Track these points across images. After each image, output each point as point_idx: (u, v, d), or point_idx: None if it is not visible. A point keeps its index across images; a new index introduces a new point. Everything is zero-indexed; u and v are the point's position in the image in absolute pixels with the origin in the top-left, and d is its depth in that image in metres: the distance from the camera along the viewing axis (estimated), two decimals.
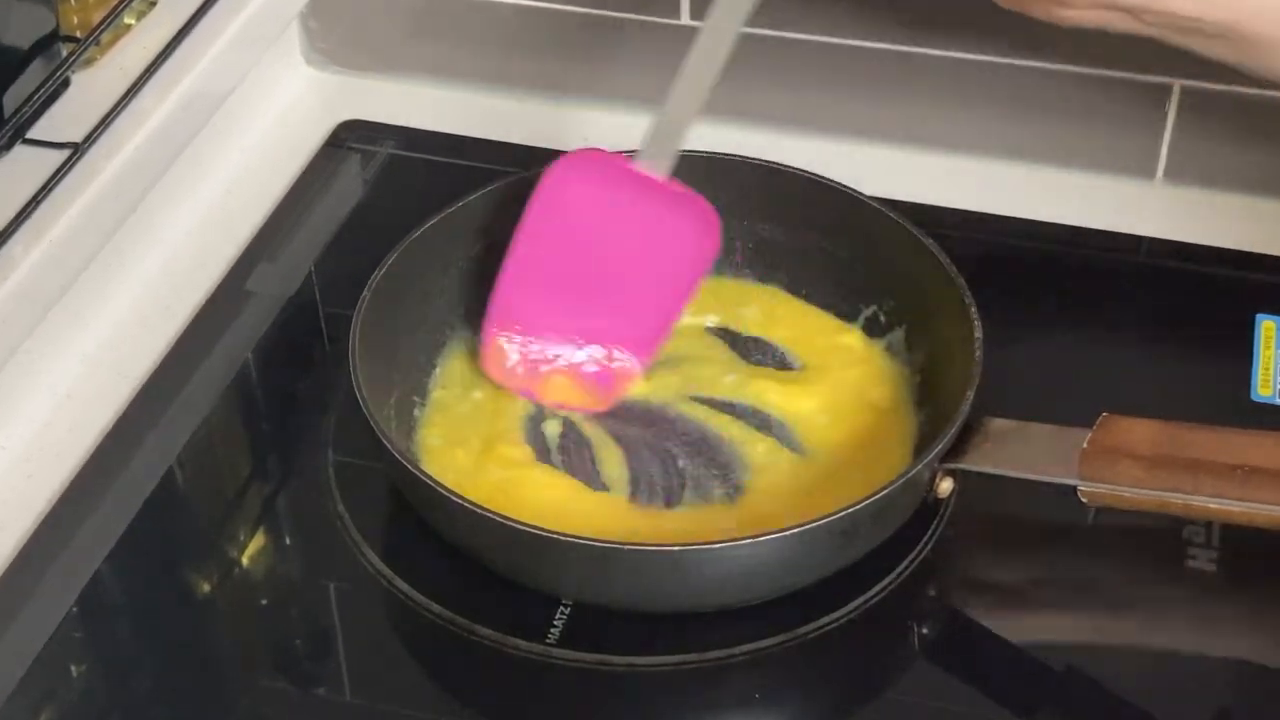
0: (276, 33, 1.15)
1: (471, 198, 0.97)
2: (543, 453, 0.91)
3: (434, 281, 0.96)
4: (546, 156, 1.00)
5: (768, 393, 0.94)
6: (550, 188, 0.93)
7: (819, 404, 0.93)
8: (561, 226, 0.94)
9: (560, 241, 0.94)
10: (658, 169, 0.92)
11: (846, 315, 0.97)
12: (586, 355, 0.94)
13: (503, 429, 0.92)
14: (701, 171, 0.97)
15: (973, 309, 0.89)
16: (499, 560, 0.85)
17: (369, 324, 0.90)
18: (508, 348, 0.94)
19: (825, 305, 0.98)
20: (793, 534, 0.80)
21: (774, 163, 0.98)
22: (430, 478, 0.83)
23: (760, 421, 0.93)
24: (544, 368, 0.94)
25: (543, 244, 0.94)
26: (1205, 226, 1.06)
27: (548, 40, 1.15)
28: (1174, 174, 1.09)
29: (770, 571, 0.82)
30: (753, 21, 1.09)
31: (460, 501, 0.82)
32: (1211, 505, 0.82)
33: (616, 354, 0.94)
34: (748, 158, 0.99)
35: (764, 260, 1.00)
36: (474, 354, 0.96)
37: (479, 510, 0.81)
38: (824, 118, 1.12)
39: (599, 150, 0.94)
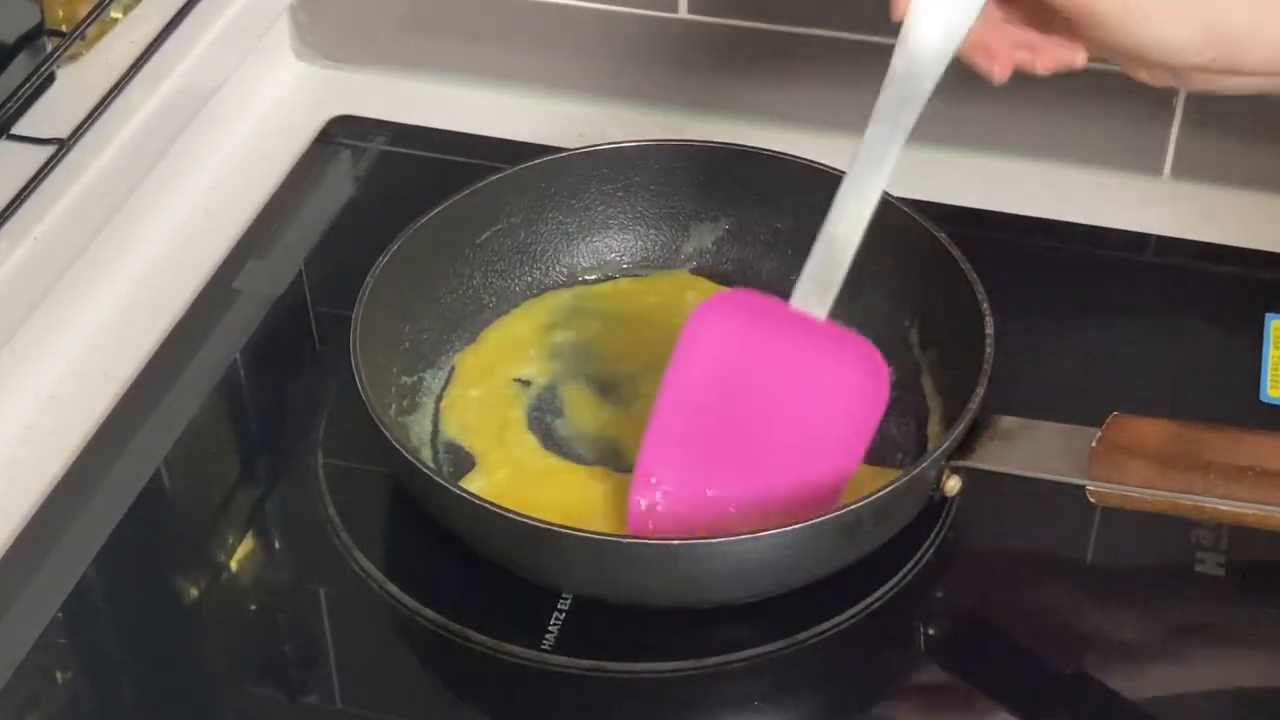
0: (265, 26, 1.15)
1: (480, 185, 0.97)
2: (550, 442, 0.91)
3: (439, 271, 0.96)
4: (541, 152, 1.01)
5: None
6: (697, 330, 0.87)
7: None
8: (711, 375, 0.87)
9: (711, 393, 0.87)
10: (816, 309, 0.86)
11: (856, 309, 0.97)
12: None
13: (509, 419, 0.92)
14: (718, 162, 0.98)
15: (985, 305, 0.89)
16: (498, 553, 0.85)
17: (371, 312, 0.90)
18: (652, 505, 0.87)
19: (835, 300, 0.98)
20: (794, 530, 0.80)
21: (788, 155, 0.98)
22: (430, 469, 0.83)
23: None
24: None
25: (691, 393, 0.87)
26: (1213, 224, 1.06)
27: (542, 35, 1.15)
28: (1181, 170, 1.09)
29: (771, 568, 0.82)
30: (758, 18, 1.10)
31: (460, 493, 0.82)
32: (1222, 507, 0.81)
33: None
34: (763, 149, 0.99)
35: (776, 253, 1.00)
36: (475, 351, 0.96)
37: (478, 502, 0.81)
38: (828, 112, 1.12)
39: (750, 291, 0.89)
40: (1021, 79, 1.07)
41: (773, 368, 0.87)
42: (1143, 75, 0.86)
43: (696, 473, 0.87)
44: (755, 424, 0.87)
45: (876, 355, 0.86)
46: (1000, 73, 0.86)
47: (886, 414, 0.92)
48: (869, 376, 0.86)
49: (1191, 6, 0.82)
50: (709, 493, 0.86)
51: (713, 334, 0.87)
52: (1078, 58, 0.86)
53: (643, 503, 0.87)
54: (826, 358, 0.86)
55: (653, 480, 0.87)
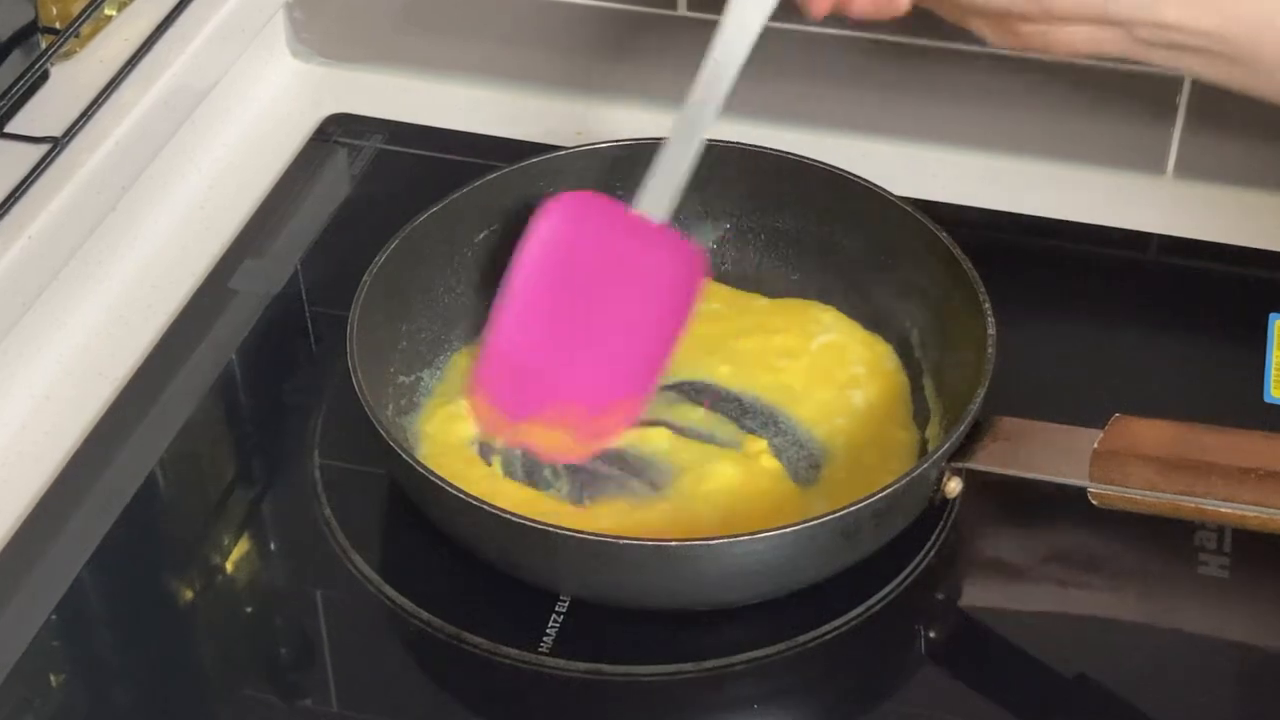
0: (261, 24, 1.15)
1: (477, 183, 0.97)
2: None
3: (435, 271, 0.96)
4: (539, 150, 1.01)
5: (774, 388, 0.94)
6: (542, 229, 0.92)
7: (825, 401, 0.93)
8: (552, 270, 0.92)
9: (551, 286, 0.92)
10: (655, 214, 0.91)
11: (857, 309, 0.97)
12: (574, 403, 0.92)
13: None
14: (719, 161, 0.98)
15: (987, 305, 0.89)
16: (495, 555, 0.85)
17: (368, 311, 0.90)
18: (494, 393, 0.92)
19: (836, 301, 0.98)
20: (793, 532, 0.80)
21: (789, 154, 0.99)
22: (425, 468, 0.83)
23: (767, 418, 0.93)
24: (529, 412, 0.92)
25: (533, 288, 0.92)
26: (1217, 223, 1.06)
27: (540, 32, 1.15)
28: (1185, 169, 1.10)
29: (770, 570, 0.82)
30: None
31: (457, 494, 0.82)
32: (1224, 509, 0.82)
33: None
34: (764, 148, 0.99)
35: (776, 253, 1.00)
36: (472, 351, 0.96)
37: (475, 503, 0.82)
38: (828, 112, 1.12)
39: (593, 194, 0.94)
40: (1029, 73, 1.08)
41: (605, 257, 0.92)
42: (980, 28, 0.87)
43: (535, 353, 0.91)
44: (589, 305, 0.92)
45: (694, 249, 0.92)
46: (816, 9, 0.88)
47: (888, 414, 0.93)
48: (686, 265, 0.91)
49: None
50: (546, 371, 0.91)
51: (556, 226, 0.92)
52: (899, 3, 0.88)
53: (486, 371, 0.91)
54: (651, 249, 0.91)
55: (500, 361, 0.91)
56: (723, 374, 0.95)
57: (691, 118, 0.89)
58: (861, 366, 0.95)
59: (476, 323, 0.98)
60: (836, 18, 1.03)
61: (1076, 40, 0.85)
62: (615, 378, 0.91)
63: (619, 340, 0.92)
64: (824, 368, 0.95)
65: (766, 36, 1.11)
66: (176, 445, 0.95)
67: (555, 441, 0.91)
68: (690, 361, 0.95)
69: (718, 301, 0.99)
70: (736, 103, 1.12)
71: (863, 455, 0.91)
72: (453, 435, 0.92)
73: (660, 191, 0.90)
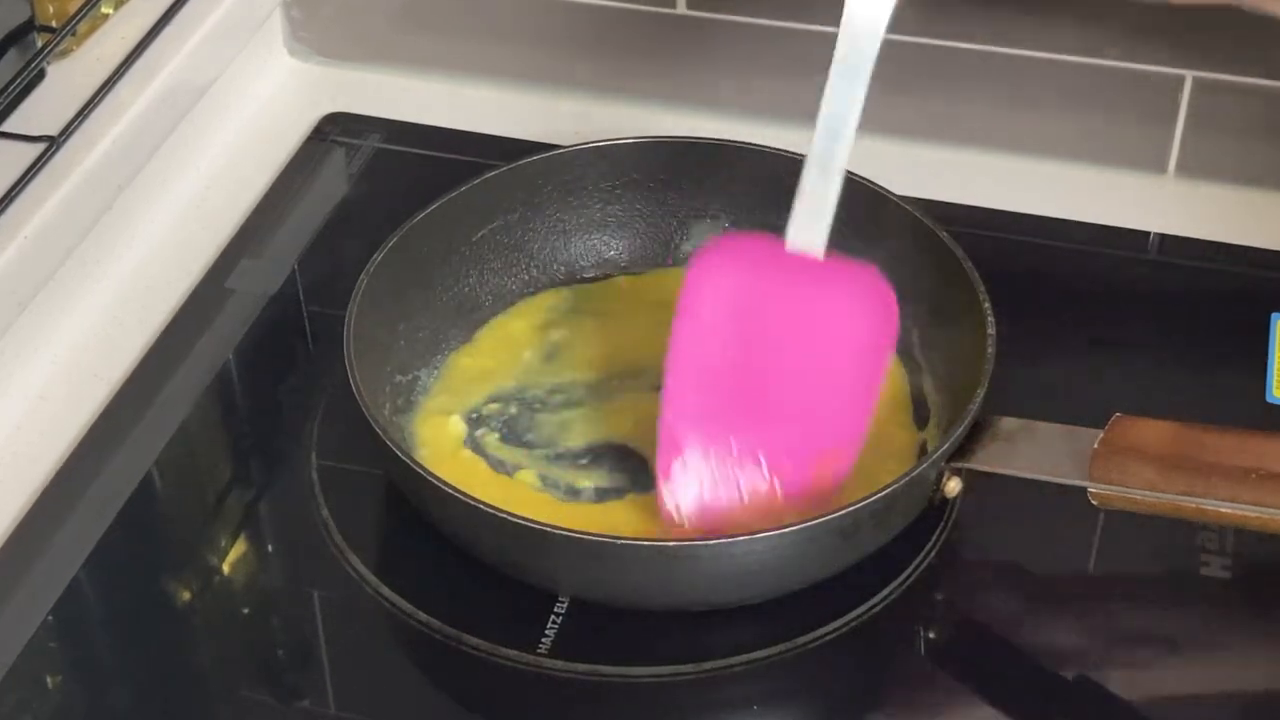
0: (258, 22, 1.15)
1: (475, 182, 0.97)
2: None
3: (433, 270, 0.96)
4: (537, 149, 1.01)
5: None
6: (697, 281, 0.87)
7: None
8: (721, 324, 0.87)
9: (722, 343, 0.87)
10: (812, 246, 0.86)
11: None
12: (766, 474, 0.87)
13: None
14: (717, 159, 0.98)
15: (986, 304, 0.89)
16: (493, 555, 0.85)
17: (365, 311, 0.90)
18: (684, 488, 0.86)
19: None
20: (791, 532, 0.80)
21: (789, 152, 0.98)
22: (422, 468, 0.84)
23: None
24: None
25: (703, 348, 0.87)
26: (1219, 222, 1.06)
27: (538, 31, 1.15)
28: (1186, 168, 1.10)
29: (770, 570, 0.82)
30: (757, 13, 1.10)
31: (455, 494, 0.82)
32: (1225, 510, 0.82)
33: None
34: (763, 146, 0.99)
35: None
36: (470, 351, 0.96)
37: (473, 503, 0.82)
38: None
39: (744, 234, 0.89)
40: (1029, 71, 1.08)
41: (778, 310, 0.87)
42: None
43: (718, 425, 0.86)
44: (768, 369, 0.87)
45: (879, 280, 0.87)
46: None
47: (888, 415, 0.93)
48: (874, 303, 0.87)
49: None
50: (733, 444, 0.86)
51: (715, 282, 0.88)
52: None
53: (672, 476, 0.86)
54: (829, 291, 0.87)
55: (679, 443, 0.86)
56: None
57: (830, 132, 0.85)
58: None
59: (474, 322, 0.98)
60: (824, 11, 1.03)
61: None
62: (813, 432, 0.86)
63: (810, 390, 0.87)
64: None
65: (766, 35, 1.11)
66: (173, 446, 0.95)
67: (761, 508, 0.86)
68: None
69: None
70: (736, 100, 1.13)
71: (862, 455, 0.91)
72: (450, 435, 0.92)
73: (813, 220, 0.86)
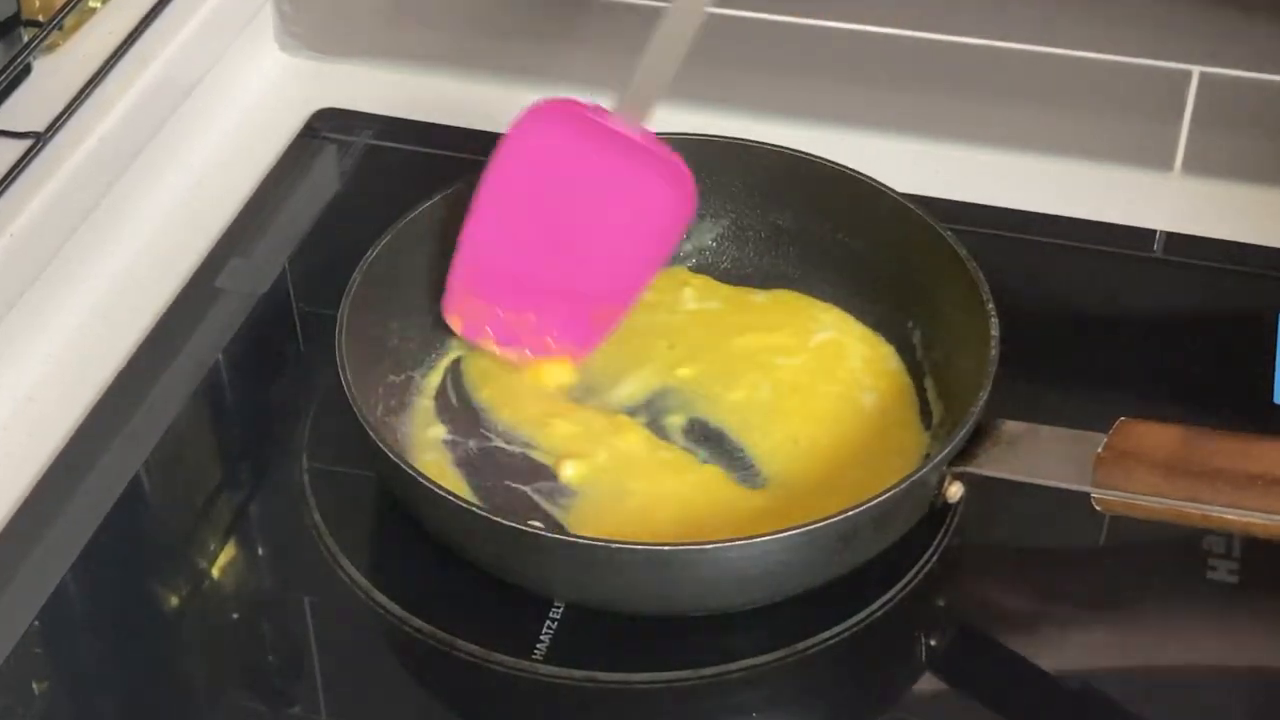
0: (248, 17, 1.15)
1: (468, 179, 0.96)
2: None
3: (426, 268, 0.96)
4: None
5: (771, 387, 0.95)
6: (517, 137, 0.94)
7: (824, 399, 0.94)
8: (528, 180, 0.94)
9: (527, 196, 0.94)
10: (634, 121, 0.92)
11: (858, 309, 0.98)
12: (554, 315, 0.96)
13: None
14: (718, 157, 0.98)
15: (990, 305, 0.89)
16: (487, 559, 0.85)
17: (357, 310, 0.90)
18: (472, 304, 0.95)
19: (837, 300, 0.98)
20: (791, 535, 0.80)
21: (790, 149, 0.99)
22: (415, 470, 0.84)
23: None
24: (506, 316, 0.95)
25: (509, 198, 0.94)
26: (1226, 221, 1.07)
27: (530, 25, 1.15)
28: (1193, 165, 1.10)
29: (768, 575, 0.82)
30: (756, 9, 1.11)
31: (448, 497, 0.82)
32: (1231, 516, 0.82)
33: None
34: (763, 143, 0.99)
35: (776, 250, 1.00)
36: (467, 349, 0.97)
37: (466, 506, 0.82)
38: (828, 106, 1.12)
39: (571, 100, 0.94)
40: (1032, 67, 1.08)
41: (586, 174, 0.94)
42: None
43: (511, 265, 0.94)
44: (567, 222, 0.94)
45: (682, 168, 0.93)
46: None
47: (887, 415, 0.93)
48: (674, 188, 0.93)
49: None
50: (522, 284, 0.95)
51: (531, 140, 0.94)
52: None
53: (457, 283, 0.94)
54: (637, 165, 0.93)
55: (473, 274, 0.94)
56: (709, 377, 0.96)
57: (674, 24, 0.91)
58: (862, 365, 0.96)
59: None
60: (824, 8, 1.04)
61: None
62: (593, 286, 0.94)
63: (597, 251, 0.94)
64: (823, 366, 0.96)
65: (766, 31, 1.11)
66: (162, 448, 0.95)
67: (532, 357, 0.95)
68: (683, 364, 0.96)
69: (715, 298, 0.99)
70: (735, 97, 1.13)
71: (865, 455, 0.91)
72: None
73: (643, 95, 0.92)
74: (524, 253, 0.95)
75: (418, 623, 0.85)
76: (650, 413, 0.94)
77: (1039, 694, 0.84)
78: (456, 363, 0.97)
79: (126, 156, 1.03)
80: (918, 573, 0.87)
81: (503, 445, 0.92)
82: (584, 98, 1.14)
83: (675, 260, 1.01)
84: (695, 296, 0.99)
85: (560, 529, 0.87)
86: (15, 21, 1.00)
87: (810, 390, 0.95)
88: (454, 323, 0.96)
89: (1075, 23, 1.06)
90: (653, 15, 1.11)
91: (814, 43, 1.11)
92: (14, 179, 0.95)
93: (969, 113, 1.11)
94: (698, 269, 1.02)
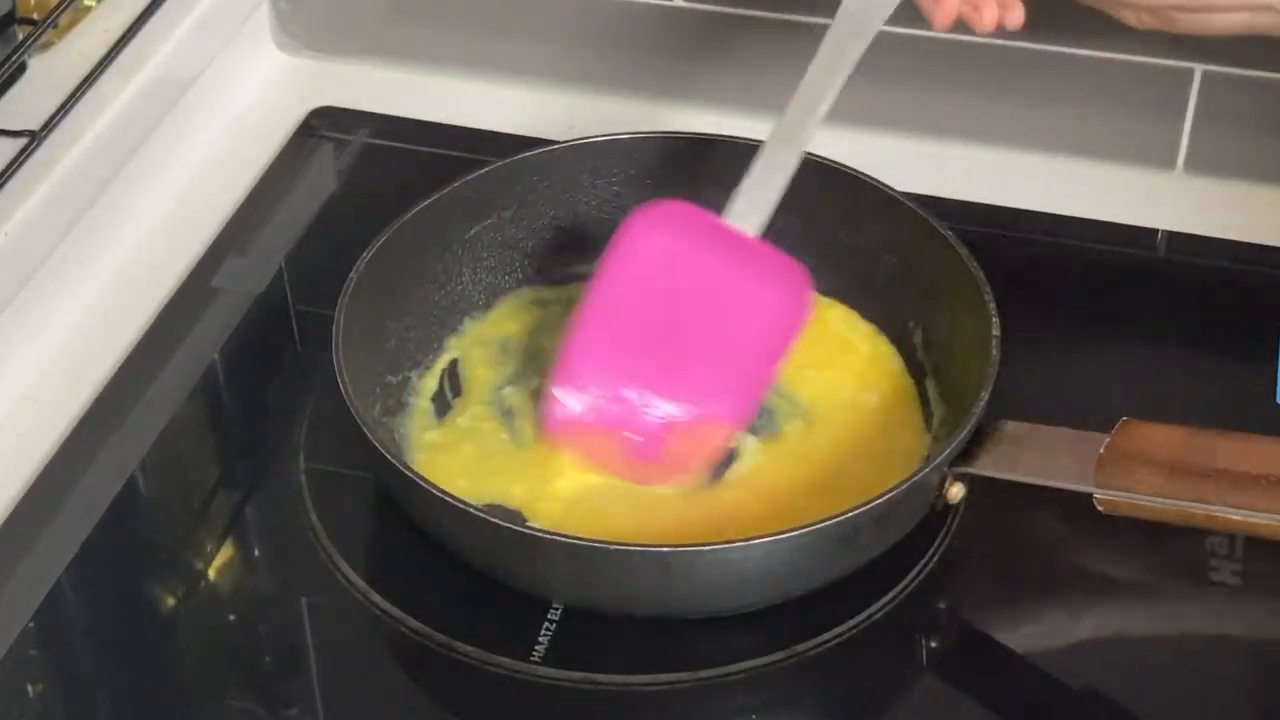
0: (244, 15, 1.15)
1: (467, 178, 0.97)
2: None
3: (424, 268, 0.97)
4: (530, 144, 1.01)
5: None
6: (632, 238, 0.92)
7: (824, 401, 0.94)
8: (641, 281, 0.92)
9: (639, 298, 0.92)
10: (748, 226, 0.91)
11: (859, 309, 0.98)
12: (654, 422, 0.92)
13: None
14: (718, 156, 0.98)
15: (991, 305, 0.89)
16: (485, 561, 0.85)
17: (354, 310, 0.90)
18: (570, 402, 0.92)
19: (837, 298, 0.98)
20: (791, 537, 0.80)
21: None
22: (413, 471, 0.84)
23: (764, 415, 0.93)
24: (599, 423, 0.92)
25: (620, 300, 0.92)
26: (1228, 219, 1.07)
27: (531, 23, 1.15)
28: (1195, 164, 1.10)
29: (767, 576, 0.82)
30: (755, 6, 1.11)
31: (445, 498, 0.82)
32: (1235, 516, 0.82)
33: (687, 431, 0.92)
34: (758, 142, 0.98)
35: (777, 249, 1.00)
36: (465, 350, 0.97)
37: (463, 507, 0.82)
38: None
39: (685, 204, 0.93)
40: (1034, 65, 1.08)
41: (699, 280, 0.92)
42: (1124, 14, 0.89)
43: (616, 373, 0.91)
44: (678, 332, 0.92)
45: (799, 274, 0.92)
46: (942, 19, 0.89)
47: (888, 415, 0.93)
48: (791, 295, 0.92)
49: None
50: (626, 393, 0.91)
51: (644, 243, 0.92)
52: (1014, 17, 0.90)
53: (561, 399, 0.91)
54: (752, 274, 0.91)
55: (575, 377, 0.91)
56: None
57: (792, 123, 0.90)
58: (865, 363, 0.96)
59: (468, 320, 0.98)
60: (823, 3, 1.03)
61: (1233, 24, 0.87)
62: (707, 395, 0.91)
63: (712, 358, 0.91)
64: (825, 363, 0.96)
65: (766, 30, 1.11)
66: (158, 448, 0.95)
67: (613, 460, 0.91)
68: None
69: None
70: (735, 97, 1.13)
71: (866, 456, 0.91)
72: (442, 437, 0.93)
73: (756, 202, 0.91)
74: (632, 356, 0.92)
75: (415, 624, 0.85)
76: None
77: (1040, 695, 0.84)
78: (454, 364, 0.96)
79: (122, 155, 1.03)
80: (918, 574, 0.87)
81: None
82: (584, 96, 1.15)
83: None
84: None
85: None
86: (10, 19, 1.00)
87: (811, 387, 0.95)
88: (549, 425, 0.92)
89: (1076, 21, 1.06)
90: (650, 11, 1.12)
91: (814, 41, 1.10)
92: (9, 177, 0.95)
93: (970, 111, 1.11)
94: None
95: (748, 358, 0.92)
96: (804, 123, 0.90)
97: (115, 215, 1.04)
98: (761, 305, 0.92)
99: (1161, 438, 0.83)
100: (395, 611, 0.86)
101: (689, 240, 0.92)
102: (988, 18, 0.89)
